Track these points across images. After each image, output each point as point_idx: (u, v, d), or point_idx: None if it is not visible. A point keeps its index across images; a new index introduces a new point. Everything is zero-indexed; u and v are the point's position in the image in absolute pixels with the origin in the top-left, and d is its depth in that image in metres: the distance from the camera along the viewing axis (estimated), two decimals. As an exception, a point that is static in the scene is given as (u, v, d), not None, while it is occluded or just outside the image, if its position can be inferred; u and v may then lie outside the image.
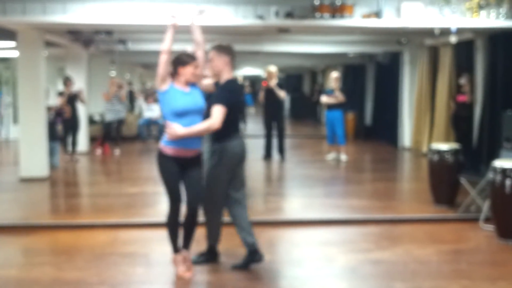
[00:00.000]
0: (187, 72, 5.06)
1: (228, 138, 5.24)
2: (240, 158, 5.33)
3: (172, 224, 5.22)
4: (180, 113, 4.99)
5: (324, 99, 12.49)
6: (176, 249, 5.29)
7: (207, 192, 5.31)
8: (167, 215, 5.22)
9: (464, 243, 6.40)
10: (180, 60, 5.08)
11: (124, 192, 8.76)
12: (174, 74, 5.10)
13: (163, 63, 5.02)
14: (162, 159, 5.11)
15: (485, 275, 5.34)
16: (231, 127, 5.21)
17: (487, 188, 6.70)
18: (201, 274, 5.33)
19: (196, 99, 5.11)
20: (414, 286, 4.97)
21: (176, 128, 4.93)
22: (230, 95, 5.19)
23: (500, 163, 6.38)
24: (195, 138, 5.11)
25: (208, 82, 5.66)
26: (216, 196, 5.32)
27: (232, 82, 5.34)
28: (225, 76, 5.29)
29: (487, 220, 6.78)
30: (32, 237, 6.63)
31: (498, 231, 6.38)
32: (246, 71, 27.91)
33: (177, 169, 5.09)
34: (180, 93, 5.05)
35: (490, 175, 6.45)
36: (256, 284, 5.12)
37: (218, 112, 5.01)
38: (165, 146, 5.08)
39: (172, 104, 5.02)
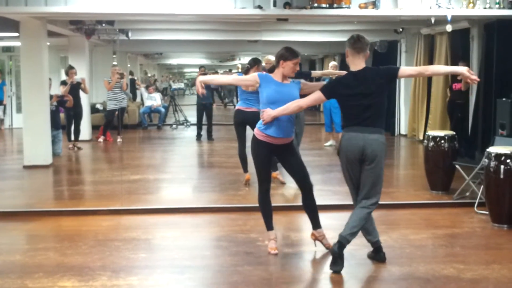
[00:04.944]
0: (287, 65, 5.35)
1: None
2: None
3: (263, 204, 5.50)
4: (272, 101, 5.24)
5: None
6: (268, 227, 5.53)
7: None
8: (258, 196, 5.49)
9: (459, 228, 6.49)
10: (283, 56, 5.34)
11: (126, 179, 8.83)
12: (276, 66, 5.39)
13: None
14: (254, 143, 5.39)
15: (479, 259, 5.43)
16: None
17: (482, 174, 6.80)
18: (200, 259, 5.42)
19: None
20: (410, 270, 5.04)
21: (268, 111, 5.16)
22: None
23: (494, 149, 6.48)
24: (286, 127, 5.30)
25: None
26: None
27: None
28: None
29: (481, 205, 6.86)
30: (36, 223, 6.71)
31: (492, 216, 6.49)
32: (244, 60, 27.86)
33: (267, 153, 5.35)
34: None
35: (484, 161, 6.55)
36: (255, 269, 5.12)
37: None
38: (258, 131, 5.34)
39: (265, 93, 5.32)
